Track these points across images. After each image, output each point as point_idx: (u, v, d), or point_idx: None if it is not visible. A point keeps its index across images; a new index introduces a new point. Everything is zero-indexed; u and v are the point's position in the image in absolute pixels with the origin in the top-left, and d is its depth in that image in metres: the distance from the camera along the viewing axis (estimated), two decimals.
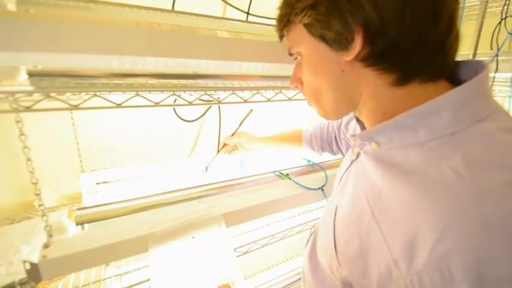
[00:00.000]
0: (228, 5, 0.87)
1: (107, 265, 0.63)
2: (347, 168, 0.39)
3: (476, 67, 0.28)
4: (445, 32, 0.27)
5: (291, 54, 0.36)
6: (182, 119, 0.90)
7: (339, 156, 0.73)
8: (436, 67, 0.28)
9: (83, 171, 0.78)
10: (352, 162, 0.38)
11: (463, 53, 0.94)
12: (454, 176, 0.23)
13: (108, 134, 0.82)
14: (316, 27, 0.29)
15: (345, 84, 0.31)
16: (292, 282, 0.73)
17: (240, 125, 0.76)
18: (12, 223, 0.72)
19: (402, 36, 0.26)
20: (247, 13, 0.91)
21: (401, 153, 0.29)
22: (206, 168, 0.79)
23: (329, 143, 0.69)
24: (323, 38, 0.29)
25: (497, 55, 0.90)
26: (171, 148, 0.91)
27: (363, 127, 0.38)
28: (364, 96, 0.31)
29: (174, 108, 0.88)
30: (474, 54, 0.92)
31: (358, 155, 0.37)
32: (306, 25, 0.30)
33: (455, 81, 0.29)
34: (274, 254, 0.85)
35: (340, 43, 0.28)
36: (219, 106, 0.89)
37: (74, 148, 0.77)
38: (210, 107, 0.90)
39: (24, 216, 0.74)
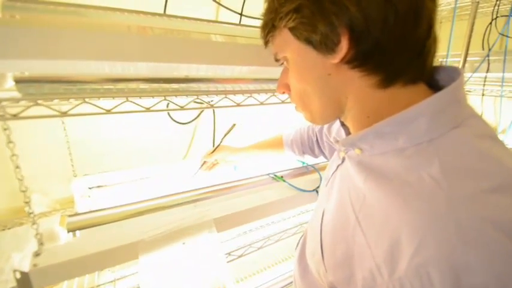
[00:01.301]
0: (221, 6, 0.87)
1: (101, 270, 0.63)
2: (333, 173, 0.39)
3: (452, 73, 0.29)
4: (425, 34, 0.27)
5: (277, 60, 0.36)
6: (176, 122, 0.89)
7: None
8: (417, 69, 0.29)
9: (75, 176, 0.77)
10: (338, 167, 0.38)
11: (455, 52, 0.95)
12: (433, 184, 0.23)
13: (101, 137, 0.81)
14: (301, 30, 0.29)
15: (332, 88, 0.31)
16: (286, 285, 0.73)
17: (221, 141, 0.75)
18: (4, 229, 0.71)
19: (386, 37, 0.26)
20: (241, 14, 0.91)
21: (382, 159, 0.29)
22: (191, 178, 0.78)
23: (310, 146, 0.69)
24: (309, 41, 0.29)
25: (488, 55, 0.91)
26: (165, 151, 0.90)
27: (347, 132, 0.38)
28: (350, 100, 0.31)
29: (168, 112, 0.88)
30: (466, 54, 0.93)
31: (343, 160, 0.37)
32: (291, 29, 0.30)
33: (433, 85, 0.30)
34: (269, 255, 0.85)
35: (327, 45, 0.28)
36: (213, 110, 0.89)
37: (66, 152, 0.76)
38: (203, 110, 0.89)
39: (16, 222, 0.73)
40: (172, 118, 0.88)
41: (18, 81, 0.38)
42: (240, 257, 0.59)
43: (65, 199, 0.81)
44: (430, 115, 0.26)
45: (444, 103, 0.26)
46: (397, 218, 0.24)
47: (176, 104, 0.44)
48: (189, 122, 0.90)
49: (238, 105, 0.49)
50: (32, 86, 0.39)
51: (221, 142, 0.76)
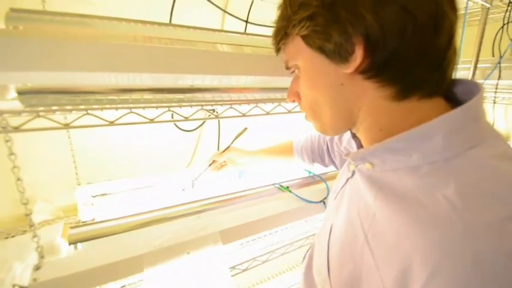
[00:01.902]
0: (227, 14, 0.86)
1: (104, 284, 0.61)
2: (342, 186, 0.38)
3: (471, 87, 0.28)
4: (445, 45, 0.26)
5: (288, 68, 0.35)
6: (180, 129, 0.88)
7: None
8: (434, 82, 0.27)
9: (78, 184, 0.76)
10: (347, 180, 0.37)
11: (465, 59, 0.93)
12: (448, 207, 0.22)
13: (105, 145, 0.81)
14: (315, 38, 0.28)
15: (344, 98, 0.30)
16: None
17: (232, 142, 0.74)
18: (7, 237, 0.71)
19: (403, 47, 0.25)
20: (246, 21, 0.90)
21: (394, 176, 0.28)
22: (193, 182, 0.77)
23: (320, 155, 0.67)
24: (322, 50, 0.28)
25: (500, 62, 0.89)
26: (170, 158, 0.90)
27: (359, 144, 0.37)
28: (363, 111, 0.30)
29: (172, 117, 0.87)
30: (476, 61, 0.91)
31: (353, 173, 0.36)
32: (303, 37, 0.29)
33: (450, 99, 0.29)
34: (274, 267, 0.83)
35: (340, 55, 0.27)
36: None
37: (70, 160, 0.76)
38: (208, 117, 0.89)
39: (19, 229, 0.72)
40: (177, 125, 0.88)
41: (20, 92, 0.37)
42: (244, 270, 0.58)
43: (69, 206, 0.80)
44: (446, 133, 0.25)
45: (462, 121, 0.25)
46: (410, 241, 0.23)
47: (180, 115, 0.43)
48: (193, 130, 0.89)
49: (244, 115, 0.48)
50: (35, 97, 0.38)
51: (231, 144, 0.75)
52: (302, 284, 0.42)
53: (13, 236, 0.70)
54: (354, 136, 0.37)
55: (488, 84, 0.97)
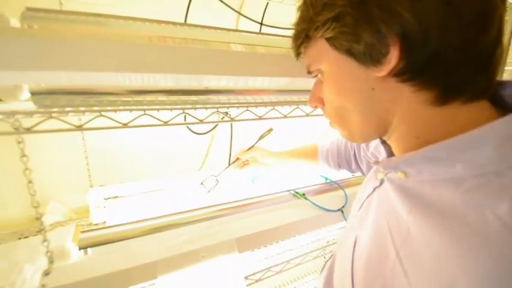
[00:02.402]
0: (241, 16, 0.85)
1: None
2: (368, 195, 0.35)
3: None
4: (493, 42, 0.23)
5: (309, 72, 0.33)
6: (193, 132, 0.87)
7: (359, 173, 0.68)
8: (480, 84, 0.24)
9: (91, 186, 0.76)
10: (374, 189, 0.34)
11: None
12: (500, 228, 0.19)
13: (118, 148, 0.81)
14: (342, 40, 0.26)
15: (375, 104, 0.27)
16: None
17: (256, 142, 0.73)
18: (20, 238, 0.71)
19: (445, 46, 0.22)
20: (261, 23, 0.89)
21: (432, 188, 0.25)
22: (216, 179, 0.75)
23: (347, 160, 0.64)
24: (350, 52, 0.26)
25: None
26: (182, 161, 0.88)
27: (389, 151, 0.34)
28: (397, 118, 0.27)
29: (185, 119, 0.86)
30: None
31: (381, 182, 0.33)
32: (329, 39, 0.27)
33: (498, 103, 0.25)
34: (289, 276, 0.80)
35: (372, 57, 0.24)
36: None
37: (83, 161, 0.76)
38: (221, 120, 0.87)
39: (32, 230, 0.72)
40: (189, 128, 0.86)
41: (34, 93, 0.36)
42: (257, 281, 0.55)
43: (82, 208, 0.80)
44: (497, 142, 0.22)
45: None
46: (452, 264, 0.20)
47: (195, 117, 0.41)
48: (206, 133, 0.88)
49: (260, 118, 0.46)
50: (48, 98, 0.37)
51: (256, 143, 0.73)
52: None
53: (26, 237, 0.70)
54: (383, 142, 0.34)
55: None
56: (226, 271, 0.46)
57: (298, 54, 0.33)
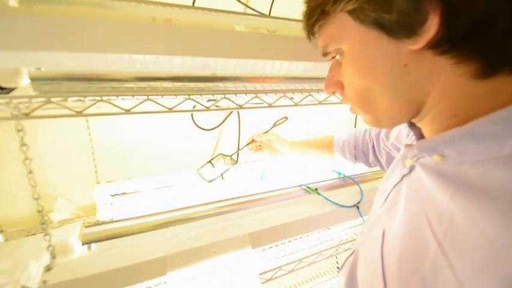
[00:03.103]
0: (248, 9, 0.83)
1: None
2: (396, 185, 0.31)
3: None
4: None
5: (325, 54, 0.29)
6: (200, 128, 0.85)
7: (374, 168, 0.64)
8: None
9: (98, 183, 0.75)
10: (403, 177, 0.31)
11: None
12: None
13: (124, 144, 0.80)
14: (368, 11, 0.22)
15: (408, 83, 0.24)
16: None
17: (272, 127, 0.72)
18: (28, 235, 0.70)
19: (494, 9, 0.19)
20: (269, 15, 0.86)
21: (477, 169, 0.22)
22: (231, 157, 0.73)
23: (364, 152, 0.60)
24: (379, 24, 0.22)
25: None
26: (189, 158, 0.87)
27: (419, 135, 0.30)
28: (433, 96, 0.24)
29: (192, 117, 0.84)
30: None
31: (411, 169, 0.29)
32: (351, 12, 0.24)
33: None
34: (301, 275, 0.77)
35: (405, 27, 0.21)
36: (238, 113, 0.84)
37: (90, 158, 0.75)
38: (229, 114, 0.85)
39: (40, 228, 0.72)
40: (196, 124, 0.85)
41: (33, 78, 0.35)
42: (268, 280, 0.52)
43: (89, 206, 0.79)
44: None
45: None
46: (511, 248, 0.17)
47: (202, 104, 0.39)
48: (213, 129, 0.86)
49: (270, 106, 0.43)
50: (48, 84, 0.36)
51: (271, 129, 0.73)
52: None
53: (33, 234, 0.69)
54: (411, 125, 0.30)
55: None
56: (239, 267, 0.43)
57: (312, 34, 0.29)
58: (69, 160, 0.74)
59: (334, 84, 0.31)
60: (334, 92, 0.32)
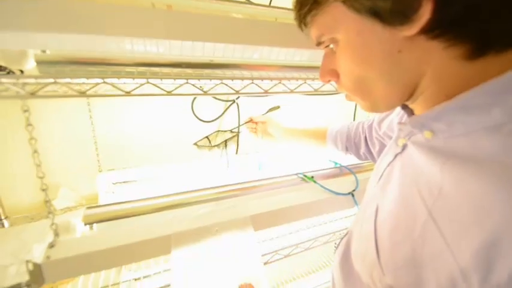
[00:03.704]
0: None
1: (120, 266, 0.60)
2: (389, 163, 0.33)
3: None
4: None
5: (319, 44, 0.30)
6: (200, 120, 0.87)
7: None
8: None
9: (100, 171, 0.77)
10: (396, 156, 0.32)
11: None
12: None
13: (126, 135, 0.81)
14: (363, 0, 0.23)
15: (403, 67, 0.25)
16: None
17: (266, 113, 0.75)
18: (31, 222, 0.72)
19: None
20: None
21: (466, 141, 0.23)
22: (231, 131, 0.75)
23: (356, 143, 0.61)
24: (374, 13, 0.23)
25: None
26: (190, 149, 0.88)
27: (411, 114, 0.31)
28: (426, 78, 0.25)
29: (192, 110, 0.86)
30: None
31: (404, 147, 0.30)
32: (345, 1, 0.24)
33: None
34: (298, 265, 0.78)
35: (400, 14, 0.22)
36: (237, 105, 0.86)
37: (93, 148, 0.77)
38: (229, 107, 0.86)
39: (43, 215, 0.74)
40: (196, 116, 0.86)
41: (39, 62, 0.37)
42: (265, 264, 0.53)
43: (92, 195, 0.81)
44: None
45: None
46: (497, 210, 0.18)
47: (199, 88, 0.40)
48: (212, 121, 0.87)
49: (266, 92, 0.44)
50: (53, 67, 0.37)
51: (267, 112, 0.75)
52: (339, 274, 0.36)
53: (37, 221, 0.71)
54: (404, 107, 0.31)
55: None
56: (242, 248, 0.44)
57: (304, 25, 0.29)
58: (72, 151, 0.76)
59: (329, 72, 0.31)
60: (329, 81, 0.33)
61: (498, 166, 0.19)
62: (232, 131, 0.75)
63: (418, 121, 0.27)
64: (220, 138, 0.74)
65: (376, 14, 0.23)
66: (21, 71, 0.37)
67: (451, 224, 0.21)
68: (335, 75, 0.31)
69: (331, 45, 0.29)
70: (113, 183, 0.74)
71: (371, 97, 0.29)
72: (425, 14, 0.21)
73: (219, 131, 0.74)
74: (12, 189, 0.74)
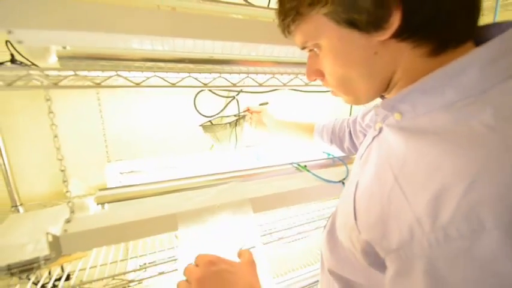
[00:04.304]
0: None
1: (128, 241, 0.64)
2: (368, 145, 0.37)
3: (506, 27, 0.26)
4: None
5: (304, 48, 0.34)
6: (202, 115, 0.92)
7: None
8: (468, 29, 0.27)
9: (108, 162, 0.82)
10: (373, 139, 0.36)
11: None
12: (484, 129, 0.22)
13: (134, 128, 0.86)
14: (341, 13, 0.27)
15: (379, 66, 0.29)
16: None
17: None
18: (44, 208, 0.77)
19: (440, 3, 0.25)
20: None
21: (426, 119, 0.27)
22: (234, 115, 0.80)
23: (340, 137, 0.66)
24: (352, 24, 0.27)
25: None
26: (193, 142, 0.93)
27: None
28: (398, 73, 0.29)
29: (195, 105, 0.91)
30: None
31: (380, 130, 0.35)
32: (326, 14, 0.28)
33: (483, 42, 0.27)
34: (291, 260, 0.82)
35: (374, 24, 0.26)
36: (237, 101, 0.90)
37: (102, 140, 0.82)
38: (229, 102, 0.91)
39: (54, 203, 0.79)
40: (198, 112, 0.91)
41: (60, 57, 0.42)
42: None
43: (101, 185, 0.86)
44: (481, 65, 0.24)
45: (496, 52, 0.24)
46: (444, 168, 0.22)
47: (200, 81, 0.45)
48: (214, 116, 0.92)
49: (261, 85, 0.49)
50: (72, 62, 0.42)
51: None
52: (325, 247, 0.41)
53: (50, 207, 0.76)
54: (382, 98, 0.36)
55: None
56: (242, 227, 0.49)
57: (288, 33, 0.33)
58: (82, 143, 0.81)
59: (315, 72, 0.36)
60: (315, 79, 0.37)
61: (449, 134, 0.24)
62: (236, 115, 0.79)
63: (388, 103, 0.31)
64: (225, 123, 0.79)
65: (354, 25, 0.27)
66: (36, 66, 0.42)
67: (411, 184, 0.25)
68: (320, 74, 0.35)
69: (315, 49, 0.33)
70: (121, 173, 0.78)
71: (353, 92, 0.33)
72: (395, 22, 0.25)
73: (222, 116, 0.80)
74: (26, 179, 0.79)
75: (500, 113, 0.22)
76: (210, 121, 0.80)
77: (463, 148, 0.22)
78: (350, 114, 1.15)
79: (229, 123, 0.76)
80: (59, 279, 0.63)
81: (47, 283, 0.63)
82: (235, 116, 0.78)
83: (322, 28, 0.29)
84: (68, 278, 0.65)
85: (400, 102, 0.29)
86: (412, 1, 0.24)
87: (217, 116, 0.92)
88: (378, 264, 0.28)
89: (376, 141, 0.35)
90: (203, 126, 0.79)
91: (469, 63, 0.24)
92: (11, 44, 0.47)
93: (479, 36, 0.27)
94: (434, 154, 0.24)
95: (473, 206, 0.19)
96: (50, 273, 0.68)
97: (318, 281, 0.73)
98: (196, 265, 0.34)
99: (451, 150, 0.23)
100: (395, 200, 0.26)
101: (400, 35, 0.26)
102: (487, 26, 0.28)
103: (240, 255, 0.38)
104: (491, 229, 0.19)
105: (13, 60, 0.51)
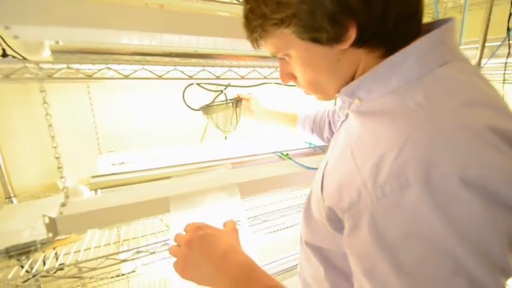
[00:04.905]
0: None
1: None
2: (338, 129, 0.42)
3: (442, 23, 0.31)
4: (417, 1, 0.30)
5: (274, 56, 0.38)
6: (192, 108, 0.95)
7: None
8: (414, 30, 0.31)
9: (100, 154, 0.85)
10: (342, 123, 0.41)
11: (473, 39, 0.92)
12: (416, 107, 0.27)
13: (124, 120, 0.89)
14: (305, 33, 0.31)
15: (342, 70, 0.34)
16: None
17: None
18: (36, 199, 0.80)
19: (387, 16, 0.29)
20: None
21: (379, 102, 0.32)
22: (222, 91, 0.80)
23: (320, 127, 0.71)
24: (315, 40, 0.31)
25: (507, 39, 0.88)
26: (183, 135, 0.97)
27: None
28: (359, 71, 0.34)
29: (183, 98, 0.94)
30: (484, 40, 0.90)
31: (347, 116, 0.40)
32: (291, 32, 0.32)
33: None
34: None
35: (334, 39, 0.31)
36: (225, 94, 0.94)
37: (93, 133, 0.85)
38: (217, 96, 0.95)
39: (47, 195, 0.81)
40: (187, 105, 0.94)
41: (53, 51, 0.45)
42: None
43: None
44: (419, 55, 0.29)
45: (432, 43, 0.29)
46: (384, 137, 0.27)
47: (186, 74, 0.48)
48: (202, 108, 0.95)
49: (243, 78, 0.53)
50: (65, 56, 0.45)
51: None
52: (302, 224, 0.45)
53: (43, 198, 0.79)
54: None
55: (497, 63, 0.96)
56: (229, 210, 0.53)
57: (257, 46, 0.36)
58: (73, 135, 0.84)
59: (288, 76, 0.40)
60: (288, 81, 0.42)
61: (391, 113, 0.29)
62: (231, 99, 0.79)
63: (347, 89, 0.36)
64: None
65: (317, 41, 0.31)
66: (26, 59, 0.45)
67: (361, 155, 0.30)
68: (293, 77, 0.40)
69: (286, 57, 0.37)
70: (112, 164, 0.81)
71: (323, 92, 0.39)
72: (352, 35, 0.30)
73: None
74: (19, 171, 0.81)
75: (429, 94, 0.27)
76: (206, 104, 0.79)
77: (398, 122, 0.27)
78: (335, 105, 1.20)
79: (232, 102, 0.75)
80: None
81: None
82: (231, 99, 0.77)
83: (290, 42, 0.33)
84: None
85: (357, 89, 0.34)
86: (363, 17, 0.29)
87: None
88: (341, 228, 0.32)
89: (344, 125, 0.40)
90: (203, 109, 0.78)
91: (408, 54, 0.29)
92: (2, 39, 0.50)
93: (429, 31, 0.32)
94: (378, 129, 0.29)
95: (401, 167, 0.24)
96: (44, 258, 0.71)
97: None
98: (186, 232, 0.38)
99: (389, 125, 0.28)
100: (349, 170, 0.31)
101: (357, 44, 0.31)
102: (433, 22, 0.33)
103: (225, 225, 0.42)
104: (413, 183, 0.23)
105: (4, 55, 0.53)
